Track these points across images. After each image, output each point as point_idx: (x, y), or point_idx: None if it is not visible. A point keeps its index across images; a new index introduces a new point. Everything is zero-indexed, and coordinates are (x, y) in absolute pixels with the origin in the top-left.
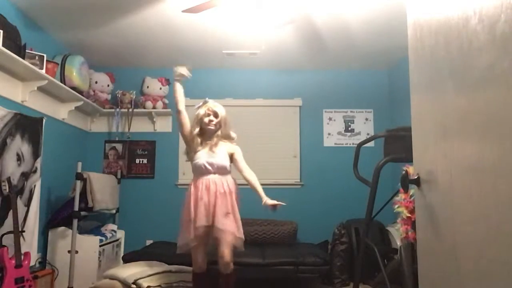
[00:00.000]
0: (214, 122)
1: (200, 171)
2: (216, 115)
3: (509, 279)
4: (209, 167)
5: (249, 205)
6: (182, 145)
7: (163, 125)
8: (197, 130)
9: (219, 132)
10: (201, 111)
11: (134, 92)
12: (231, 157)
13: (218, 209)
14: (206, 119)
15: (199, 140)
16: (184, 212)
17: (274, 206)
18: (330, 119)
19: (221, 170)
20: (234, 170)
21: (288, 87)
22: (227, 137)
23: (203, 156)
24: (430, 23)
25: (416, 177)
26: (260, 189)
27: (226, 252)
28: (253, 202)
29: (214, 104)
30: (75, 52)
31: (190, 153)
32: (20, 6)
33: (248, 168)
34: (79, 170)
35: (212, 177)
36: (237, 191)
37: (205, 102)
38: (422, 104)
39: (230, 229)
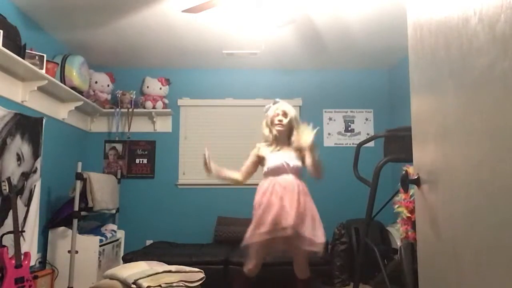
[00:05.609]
0: (283, 122)
1: (272, 173)
2: (285, 114)
3: (509, 279)
4: (284, 168)
5: (250, 205)
6: (182, 145)
7: (163, 125)
8: (272, 133)
9: (293, 138)
10: (270, 112)
11: (134, 92)
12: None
13: (284, 211)
14: (276, 120)
15: (272, 145)
16: (254, 210)
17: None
18: (330, 119)
19: (295, 171)
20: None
21: (288, 87)
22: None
23: (275, 158)
24: (430, 23)
25: (416, 177)
26: (312, 157)
27: (298, 260)
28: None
29: (282, 104)
30: (75, 52)
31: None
32: (20, 6)
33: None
34: (79, 170)
35: (282, 178)
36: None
37: (275, 103)
38: (422, 104)
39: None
